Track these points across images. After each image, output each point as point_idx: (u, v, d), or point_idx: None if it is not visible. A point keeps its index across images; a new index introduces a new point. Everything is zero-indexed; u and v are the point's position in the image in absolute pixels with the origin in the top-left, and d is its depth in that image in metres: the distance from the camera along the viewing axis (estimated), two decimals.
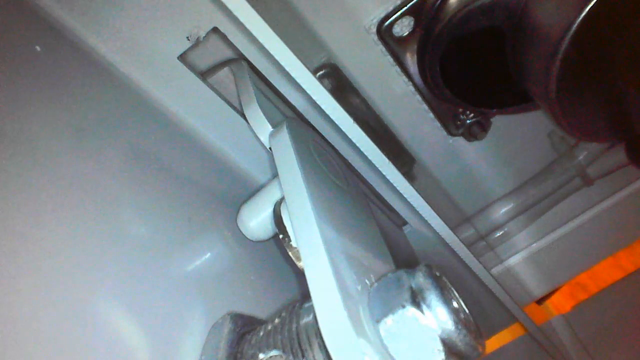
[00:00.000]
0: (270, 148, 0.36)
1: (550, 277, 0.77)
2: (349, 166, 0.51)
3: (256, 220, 0.41)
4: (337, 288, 0.23)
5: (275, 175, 0.40)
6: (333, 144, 0.49)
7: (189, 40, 0.42)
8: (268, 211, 0.40)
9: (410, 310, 0.22)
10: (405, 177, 0.40)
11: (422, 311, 0.22)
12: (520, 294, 0.76)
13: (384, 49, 0.51)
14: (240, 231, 0.41)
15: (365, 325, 0.23)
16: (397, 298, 0.23)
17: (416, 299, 0.23)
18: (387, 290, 0.25)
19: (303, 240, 0.27)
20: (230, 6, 0.31)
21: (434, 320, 0.22)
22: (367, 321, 0.23)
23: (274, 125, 0.37)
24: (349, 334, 0.21)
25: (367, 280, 0.27)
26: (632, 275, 0.86)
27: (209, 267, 0.37)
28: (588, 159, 0.66)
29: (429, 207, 0.43)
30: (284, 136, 0.36)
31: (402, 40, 0.50)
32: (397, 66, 0.53)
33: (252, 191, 0.43)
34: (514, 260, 0.74)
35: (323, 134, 0.49)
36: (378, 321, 0.23)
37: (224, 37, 0.42)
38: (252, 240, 0.42)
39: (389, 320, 0.23)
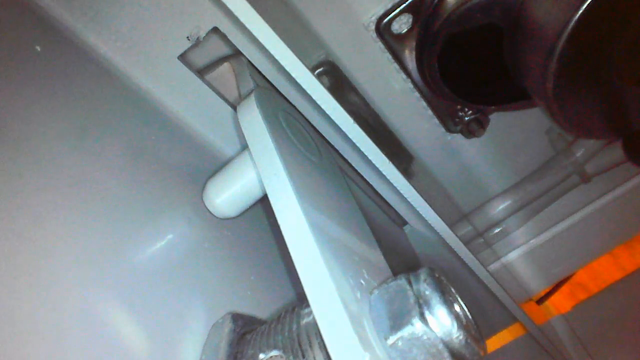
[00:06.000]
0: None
1: (549, 273, 0.77)
2: (322, 136, 0.50)
3: (222, 197, 0.39)
4: (343, 310, 0.22)
5: (241, 148, 0.39)
6: (309, 118, 0.49)
7: (189, 40, 0.42)
8: (235, 187, 0.39)
9: (420, 327, 0.22)
10: (403, 175, 0.40)
11: (430, 327, 0.22)
12: (519, 290, 0.76)
13: (382, 46, 0.51)
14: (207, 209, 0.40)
15: (371, 339, 0.23)
16: (403, 314, 0.23)
17: (423, 314, 0.23)
18: (391, 302, 0.24)
19: (293, 242, 0.26)
20: (230, 6, 0.31)
21: (441, 331, 0.22)
22: (372, 334, 0.23)
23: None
24: (356, 350, 0.21)
25: (362, 281, 0.27)
26: (632, 275, 0.86)
27: (209, 267, 0.37)
28: (586, 156, 0.66)
29: (429, 207, 0.43)
30: (254, 111, 0.34)
31: (400, 38, 0.50)
32: (395, 63, 0.53)
33: (217, 166, 0.42)
34: (512, 257, 0.74)
35: (297, 107, 0.48)
36: (386, 338, 0.23)
37: (224, 37, 0.42)
38: (219, 218, 0.40)
39: (399, 340, 0.22)
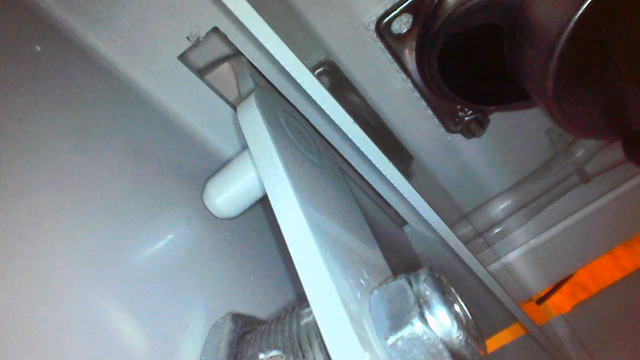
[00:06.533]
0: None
1: (549, 273, 0.77)
2: (322, 136, 0.50)
3: (223, 197, 0.39)
4: (343, 310, 0.22)
5: (241, 148, 0.38)
6: (309, 118, 0.48)
7: (189, 40, 0.42)
8: (235, 187, 0.39)
9: (420, 327, 0.22)
10: (403, 175, 0.40)
11: (430, 327, 0.22)
12: (519, 290, 0.76)
13: (382, 46, 0.51)
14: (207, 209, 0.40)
15: (371, 339, 0.23)
16: (403, 314, 0.23)
17: (424, 314, 0.23)
18: (391, 302, 0.24)
19: (293, 242, 0.26)
20: (230, 6, 0.31)
21: (441, 331, 0.22)
22: (372, 334, 0.23)
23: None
24: (356, 350, 0.21)
25: (362, 281, 0.27)
26: (632, 275, 0.86)
27: (209, 267, 0.37)
28: (586, 156, 0.66)
29: (429, 207, 0.43)
30: (254, 112, 0.34)
31: (400, 38, 0.50)
32: (395, 63, 0.53)
33: (218, 166, 0.42)
34: (512, 257, 0.74)
35: (297, 107, 0.48)
36: (386, 338, 0.23)
37: (224, 37, 0.42)
38: (219, 218, 0.40)
39: (399, 340, 0.22)
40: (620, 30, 0.40)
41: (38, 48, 0.34)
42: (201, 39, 0.42)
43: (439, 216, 0.44)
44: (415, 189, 0.42)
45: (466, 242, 0.71)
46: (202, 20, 0.41)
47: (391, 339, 0.22)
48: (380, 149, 0.39)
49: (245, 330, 0.31)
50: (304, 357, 0.26)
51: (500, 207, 0.71)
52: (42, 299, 0.23)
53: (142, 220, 0.33)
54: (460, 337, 0.22)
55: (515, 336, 0.79)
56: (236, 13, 0.31)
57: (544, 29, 0.41)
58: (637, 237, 0.75)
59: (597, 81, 0.43)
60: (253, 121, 0.34)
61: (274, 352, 0.28)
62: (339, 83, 0.54)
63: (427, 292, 0.24)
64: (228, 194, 0.39)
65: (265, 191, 0.31)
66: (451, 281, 0.27)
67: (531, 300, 0.84)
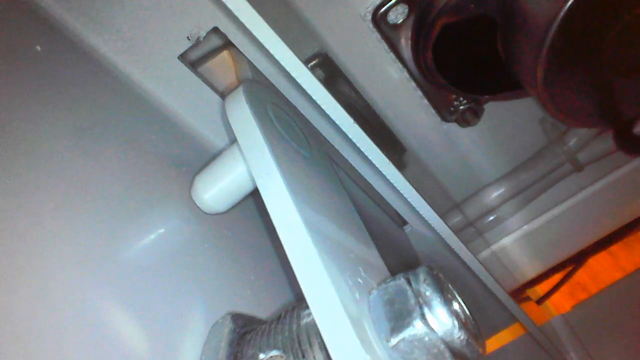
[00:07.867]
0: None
1: (541, 259, 0.78)
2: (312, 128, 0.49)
3: (210, 192, 0.38)
4: (344, 312, 0.22)
5: (229, 141, 0.38)
6: (309, 118, 0.48)
7: (189, 40, 0.42)
8: (223, 182, 0.38)
9: (421, 328, 0.22)
10: (396, 167, 0.40)
11: (431, 328, 0.22)
12: (512, 276, 0.76)
13: (379, 36, 0.52)
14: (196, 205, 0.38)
15: (372, 341, 0.23)
16: (404, 315, 0.23)
17: (424, 315, 0.23)
18: (391, 303, 0.24)
19: (290, 244, 0.26)
20: (229, 4, 0.31)
21: (442, 332, 0.22)
22: (372, 336, 0.23)
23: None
24: (358, 352, 0.21)
25: (359, 279, 0.27)
26: (632, 275, 0.86)
27: (209, 266, 0.37)
28: (578, 145, 0.67)
29: (429, 207, 0.43)
30: (243, 106, 0.33)
31: (396, 28, 0.51)
32: (391, 53, 0.53)
33: (207, 159, 0.41)
34: (505, 242, 0.75)
35: (297, 106, 0.47)
36: (388, 340, 0.23)
37: (224, 37, 0.42)
38: (208, 214, 0.39)
39: (401, 342, 0.22)
40: (610, 20, 0.40)
41: (38, 48, 0.34)
42: (201, 39, 0.42)
43: (435, 211, 0.44)
44: (411, 183, 0.42)
45: (459, 230, 0.71)
46: (202, 20, 0.41)
47: (393, 341, 0.22)
48: (376, 142, 0.38)
49: (245, 330, 0.31)
50: (304, 357, 0.26)
51: (493, 194, 0.71)
52: (41, 299, 0.23)
53: (142, 220, 0.33)
54: (462, 337, 0.22)
55: (515, 336, 0.79)
56: (235, 11, 0.31)
57: (535, 19, 0.41)
58: (636, 237, 0.75)
59: (587, 71, 0.43)
60: (241, 116, 0.33)
61: (274, 352, 0.27)
62: (332, 75, 0.54)
63: (428, 293, 0.24)
64: (216, 189, 0.38)
65: (254, 185, 0.30)
66: (451, 281, 0.26)
67: (531, 300, 0.84)
